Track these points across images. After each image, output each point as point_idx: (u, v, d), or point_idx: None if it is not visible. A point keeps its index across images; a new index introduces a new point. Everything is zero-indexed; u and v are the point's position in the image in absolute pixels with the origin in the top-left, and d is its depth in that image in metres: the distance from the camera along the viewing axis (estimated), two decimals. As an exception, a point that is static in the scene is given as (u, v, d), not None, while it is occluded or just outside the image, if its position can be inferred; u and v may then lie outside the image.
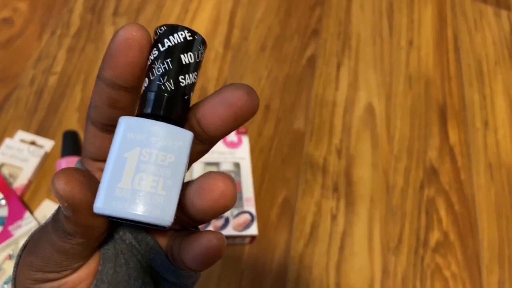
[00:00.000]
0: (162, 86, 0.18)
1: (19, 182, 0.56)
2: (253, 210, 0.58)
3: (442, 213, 0.67)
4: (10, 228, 0.51)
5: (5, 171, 0.57)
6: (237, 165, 0.61)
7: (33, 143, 0.60)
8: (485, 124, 0.77)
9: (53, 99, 0.65)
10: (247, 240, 0.57)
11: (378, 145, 0.71)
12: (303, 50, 0.78)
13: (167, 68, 0.18)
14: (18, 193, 0.55)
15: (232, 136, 0.63)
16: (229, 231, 0.56)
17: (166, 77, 0.18)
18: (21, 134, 0.60)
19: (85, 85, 0.67)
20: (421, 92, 0.78)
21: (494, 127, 0.76)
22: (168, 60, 0.18)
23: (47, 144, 0.60)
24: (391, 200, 0.67)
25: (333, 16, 0.83)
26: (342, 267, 0.60)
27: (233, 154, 0.62)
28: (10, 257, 0.52)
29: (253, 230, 0.56)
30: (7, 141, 0.58)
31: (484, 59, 0.84)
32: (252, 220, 0.57)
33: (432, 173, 0.70)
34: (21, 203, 0.54)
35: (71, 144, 0.59)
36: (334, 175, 0.67)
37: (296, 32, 0.80)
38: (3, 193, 0.53)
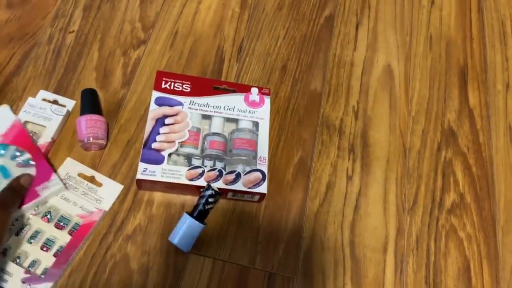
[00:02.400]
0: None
1: (43, 140, 0.57)
2: (265, 169, 0.58)
3: (459, 175, 0.66)
4: (37, 188, 0.53)
5: (29, 129, 0.58)
6: (256, 124, 0.61)
7: (55, 102, 0.60)
8: (507, 86, 0.75)
9: (70, 58, 0.65)
10: (256, 197, 0.58)
11: (396, 106, 0.70)
12: (321, 9, 0.76)
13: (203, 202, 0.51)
14: (42, 150, 0.56)
15: (255, 96, 0.63)
16: (238, 186, 0.56)
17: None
18: (43, 93, 0.60)
19: (101, 44, 0.67)
20: (441, 53, 0.76)
21: (516, 90, 0.74)
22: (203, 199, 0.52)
23: (69, 103, 0.61)
24: (408, 161, 0.66)
25: (352, -26, 0.81)
26: (356, 226, 0.60)
27: (253, 113, 0.62)
28: (48, 220, 0.53)
29: (263, 188, 0.57)
30: (30, 100, 0.59)
31: (508, 19, 0.81)
32: (263, 179, 0.57)
33: (450, 135, 0.69)
34: (49, 164, 0.55)
35: (90, 101, 0.59)
36: (350, 136, 0.67)
37: (314, -9, 0.78)
38: (31, 154, 0.54)
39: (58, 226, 0.53)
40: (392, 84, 0.72)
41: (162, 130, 0.57)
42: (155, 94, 0.60)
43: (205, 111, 0.60)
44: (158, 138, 0.57)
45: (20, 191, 0.51)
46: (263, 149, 0.59)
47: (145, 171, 0.54)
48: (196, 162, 0.57)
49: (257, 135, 0.60)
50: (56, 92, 0.62)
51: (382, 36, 0.76)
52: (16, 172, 0.52)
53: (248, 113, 0.62)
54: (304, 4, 0.76)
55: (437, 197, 0.64)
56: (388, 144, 0.67)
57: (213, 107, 0.61)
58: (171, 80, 0.61)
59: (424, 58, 0.75)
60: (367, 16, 0.77)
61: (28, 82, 0.62)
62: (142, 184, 0.56)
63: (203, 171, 0.56)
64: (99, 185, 0.56)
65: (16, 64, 0.63)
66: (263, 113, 0.62)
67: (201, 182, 0.55)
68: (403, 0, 0.80)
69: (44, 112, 0.58)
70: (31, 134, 0.57)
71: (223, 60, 0.69)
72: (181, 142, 0.57)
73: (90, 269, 0.53)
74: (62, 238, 0.52)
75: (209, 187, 0.53)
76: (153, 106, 0.59)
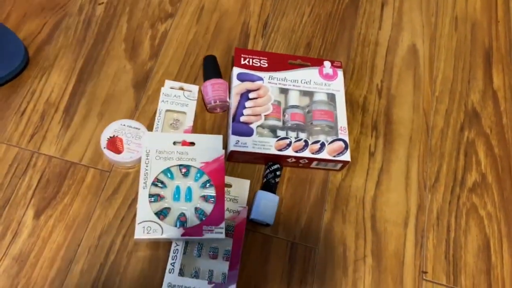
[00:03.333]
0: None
1: (187, 125, 0.60)
2: (346, 138, 0.60)
3: (481, 155, 0.66)
4: (204, 228, 0.52)
5: (173, 117, 0.60)
6: (332, 96, 0.63)
7: (181, 88, 0.62)
8: (532, 69, 0.74)
9: (100, 29, 0.66)
10: (339, 166, 0.60)
11: (420, 86, 0.70)
12: (347, -12, 0.76)
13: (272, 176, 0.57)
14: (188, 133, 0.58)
15: (328, 69, 0.64)
16: (324, 155, 0.58)
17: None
18: (169, 83, 0.62)
19: (130, 16, 0.68)
20: (467, 34, 0.76)
21: (542, 73, 0.74)
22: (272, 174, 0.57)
23: (194, 88, 0.62)
24: (430, 140, 0.67)
25: (379, -46, 0.80)
26: (378, 201, 0.61)
27: (328, 86, 0.63)
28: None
29: (346, 156, 0.59)
30: (163, 89, 0.61)
31: (536, 3, 0.80)
32: (345, 148, 0.59)
33: (474, 116, 0.69)
34: (224, 211, 0.54)
35: (212, 67, 0.62)
36: (374, 113, 0.67)
37: (340, -31, 0.78)
38: (217, 193, 0.54)
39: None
40: (416, 64, 0.72)
41: (248, 104, 0.60)
42: (236, 70, 0.62)
43: (284, 85, 0.62)
44: (245, 112, 0.59)
45: None
46: (342, 119, 0.61)
47: (237, 143, 0.56)
48: (280, 133, 0.59)
49: (334, 106, 0.62)
50: (85, 61, 0.63)
51: (408, 16, 0.76)
52: (196, 199, 0.53)
53: (324, 86, 0.63)
54: (330, -18, 0.76)
55: (459, 175, 0.65)
56: (411, 123, 0.67)
57: (291, 81, 0.62)
58: (249, 56, 0.63)
59: (449, 39, 0.75)
60: (392, -4, 0.77)
61: (60, 51, 0.63)
62: (233, 156, 0.58)
63: (290, 142, 0.58)
64: (229, 186, 0.57)
65: (47, 33, 0.64)
66: (338, 85, 0.64)
67: (289, 152, 0.57)
68: (429, -19, 0.79)
69: (180, 100, 0.60)
70: (174, 122, 0.59)
71: (248, 35, 0.70)
72: (266, 115, 0.59)
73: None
74: (224, 242, 0.54)
75: (274, 162, 0.57)
76: (235, 82, 0.61)
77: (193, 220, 0.52)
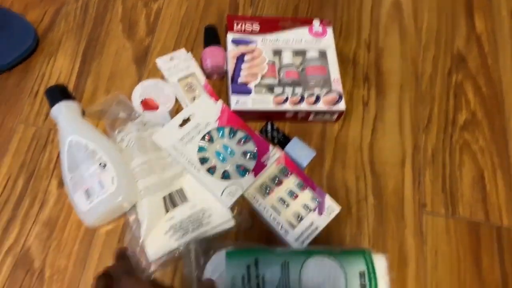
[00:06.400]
0: None
1: (202, 82, 0.65)
2: (340, 89, 0.63)
3: (470, 95, 0.70)
4: (263, 159, 0.58)
5: (186, 84, 0.64)
6: (323, 52, 0.66)
7: (171, 59, 0.66)
8: (511, 12, 0.77)
9: (97, 12, 0.70)
10: (335, 116, 0.64)
11: (406, 37, 0.74)
12: (328, -48, 0.79)
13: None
14: (207, 90, 0.64)
15: (317, 27, 0.68)
16: (320, 106, 0.62)
17: None
18: (160, 60, 0.65)
19: (124, -2, 0.72)
20: (447, -16, 0.79)
21: (522, 13, 0.77)
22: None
23: (182, 51, 0.67)
24: (420, 86, 0.70)
25: None
26: (375, 146, 0.65)
27: (319, 42, 0.67)
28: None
29: (341, 106, 0.62)
30: (161, 66, 0.65)
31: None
32: (339, 98, 0.63)
33: (460, 60, 0.73)
34: (262, 138, 0.59)
35: (211, 36, 0.66)
36: (364, 67, 0.71)
37: None
38: (246, 130, 0.59)
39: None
40: (401, 17, 0.75)
41: (244, 66, 0.64)
42: (230, 36, 0.66)
43: (277, 45, 0.66)
44: (242, 73, 0.63)
45: None
46: (335, 72, 0.65)
47: (238, 103, 0.60)
48: (277, 90, 0.62)
49: (326, 61, 0.65)
50: (88, 43, 0.67)
51: (389, -28, 0.79)
52: (238, 150, 0.58)
53: (314, 43, 0.67)
54: None
55: (450, 116, 0.68)
56: (401, 71, 0.71)
57: (283, 41, 0.66)
58: (242, 21, 0.67)
59: (431, -10, 0.78)
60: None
61: (62, 36, 0.67)
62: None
63: (287, 97, 0.62)
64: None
65: (49, 20, 0.68)
66: (328, 41, 0.67)
67: (287, 106, 0.61)
68: None
69: (181, 64, 0.65)
70: (187, 87, 0.63)
71: (238, 5, 0.74)
72: (262, 75, 0.63)
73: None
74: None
75: (267, 123, 0.62)
76: (230, 46, 0.65)
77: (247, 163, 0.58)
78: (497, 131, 0.67)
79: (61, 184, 0.57)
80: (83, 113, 0.60)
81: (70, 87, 0.63)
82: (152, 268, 0.52)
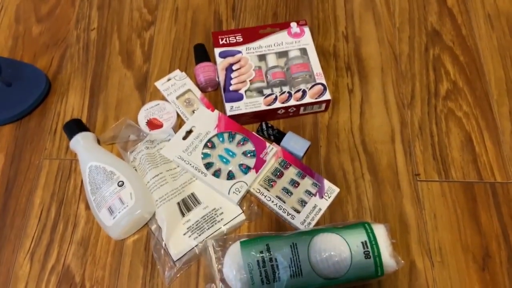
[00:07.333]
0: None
1: (198, 96, 0.71)
2: (323, 81, 0.69)
3: (449, 66, 0.74)
4: (261, 156, 0.64)
5: (184, 100, 0.71)
6: (303, 50, 0.73)
7: (169, 79, 0.73)
8: (480, -20, 0.81)
9: (98, 50, 0.78)
10: (323, 106, 0.70)
11: (380, 22, 0.79)
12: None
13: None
14: (205, 104, 0.70)
15: (295, 29, 0.74)
16: (307, 99, 0.68)
17: None
18: (158, 83, 0.73)
19: (119, 33, 0.79)
20: (413, -34, 0.83)
21: (489, -20, 0.81)
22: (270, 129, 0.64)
23: (177, 72, 0.74)
24: (400, 66, 0.75)
25: None
26: (364, 128, 0.70)
27: (299, 42, 0.73)
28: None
29: (327, 96, 0.68)
30: (160, 87, 0.72)
31: None
32: (324, 89, 0.68)
33: (435, 35, 0.77)
34: (258, 137, 0.66)
35: (200, 53, 0.73)
36: (345, 57, 0.76)
37: None
38: (243, 133, 0.66)
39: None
40: (373, 4, 0.80)
41: (233, 75, 0.70)
42: (217, 50, 0.73)
43: (260, 51, 0.72)
44: (232, 82, 0.70)
45: None
46: (316, 67, 0.71)
47: (232, 109, 0.67)
48: (267, 92, 0.69)
49: (308, 58, 0.71)
50: (93, 78, 0.75)
51: (356, -34, 0.84)
52: (238, 151, 0.65)
53: (295, 43, 0.73)
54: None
55: (432, 89, 0.73)
56: (380, 55, 0.76)
57: (265, 46, 0.73)
58: (225, 36, 0.74)
59: (398, -25, 0.83)
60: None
61: (70, 76, 0.75)
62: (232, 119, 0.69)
63: (276, 96, 0.68)
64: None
65: (56, 64, 0.76)
66: (307, 40, 0.73)
67: (277, 105, 0.67)
68: None
69: (178, 83, 0.72)
70: (186, 103, 0.71)
71: (221, 21, 0.80)
72: (250, 80, 0.70)
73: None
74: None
75: (261, 123, 0.69)
76: (219, 59, 0.72)
77: (248, 161, 0.65)
78: (479, 95, 0.71)
79: (88, 206, 0.64)
80: (98, 140, 0.68)
81: (84, 120, 0.71)
82: (178, 266, 0.58)
